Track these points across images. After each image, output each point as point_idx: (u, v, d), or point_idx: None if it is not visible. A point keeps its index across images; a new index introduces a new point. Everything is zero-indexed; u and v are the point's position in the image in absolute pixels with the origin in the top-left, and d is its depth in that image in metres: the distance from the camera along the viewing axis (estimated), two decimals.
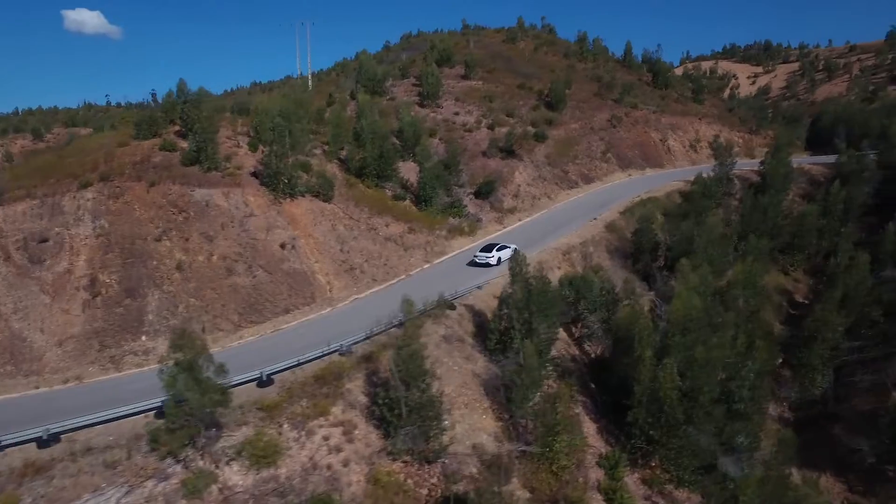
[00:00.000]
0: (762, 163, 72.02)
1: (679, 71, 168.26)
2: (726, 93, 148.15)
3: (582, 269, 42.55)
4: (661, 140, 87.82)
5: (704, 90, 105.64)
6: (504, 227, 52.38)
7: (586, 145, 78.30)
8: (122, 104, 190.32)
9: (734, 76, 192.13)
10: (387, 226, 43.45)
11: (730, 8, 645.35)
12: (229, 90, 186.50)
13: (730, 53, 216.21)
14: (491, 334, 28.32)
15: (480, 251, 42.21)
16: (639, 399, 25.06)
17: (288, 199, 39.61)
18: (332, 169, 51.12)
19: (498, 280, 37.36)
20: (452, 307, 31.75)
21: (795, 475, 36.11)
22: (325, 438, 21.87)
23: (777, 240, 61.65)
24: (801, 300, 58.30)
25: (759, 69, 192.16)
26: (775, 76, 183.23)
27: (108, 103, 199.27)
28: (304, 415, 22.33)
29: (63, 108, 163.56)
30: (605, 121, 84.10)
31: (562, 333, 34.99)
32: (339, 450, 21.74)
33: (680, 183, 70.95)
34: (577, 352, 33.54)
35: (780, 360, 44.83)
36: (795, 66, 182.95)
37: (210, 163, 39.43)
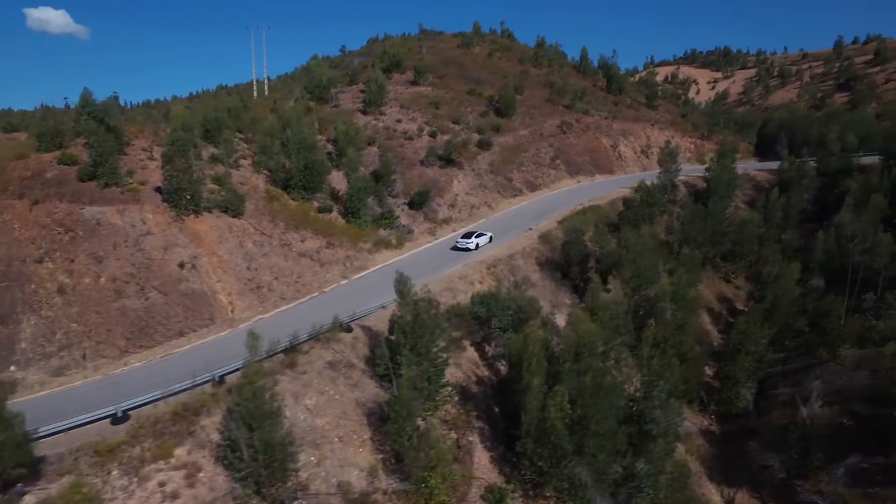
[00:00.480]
0: (707, 169, 72.18)
1: (643, 75, 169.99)
2: (681, 98, 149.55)
3: (507, 284, 41.38)
4: (612, 146, 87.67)
5: (657, 96, 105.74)
6: (436, 239, 51.01)
7: (534, 152, 77.57)
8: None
9: (694, 81, 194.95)
10: (303, 241, 41.67)
11: (694, 14, 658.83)
12: (195, 93, 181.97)
13: (691, 59, 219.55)
14: (379, 360, 26.83)
15: (461, 238, 48.20)
16: (526, 429, 23.82)
17: (192, 216, 37.57)
18: (257, 181, 49.22)
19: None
20: (348, 329, 30.19)
21: (714, 492, 35.45)
22: (161, 484, 19.96)
23: (719, 247, 61.68)
24: (741, 308, 58.21)
25: (719, 75, 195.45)
26: (733, 82, 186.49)
27: (67, 106, 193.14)
28: (142, 458, 20.44)
29: (18, 110, 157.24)
30: (556, 127, 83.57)
31: (473, 353, 33.70)
32: (175, 496, 19.85)
33: (627, 190, 70.35)
34: (486, 373, 32.22)
35: (713, 373, 44.52)
36: (753, 71, 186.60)
37: (109, 178, 37.14)
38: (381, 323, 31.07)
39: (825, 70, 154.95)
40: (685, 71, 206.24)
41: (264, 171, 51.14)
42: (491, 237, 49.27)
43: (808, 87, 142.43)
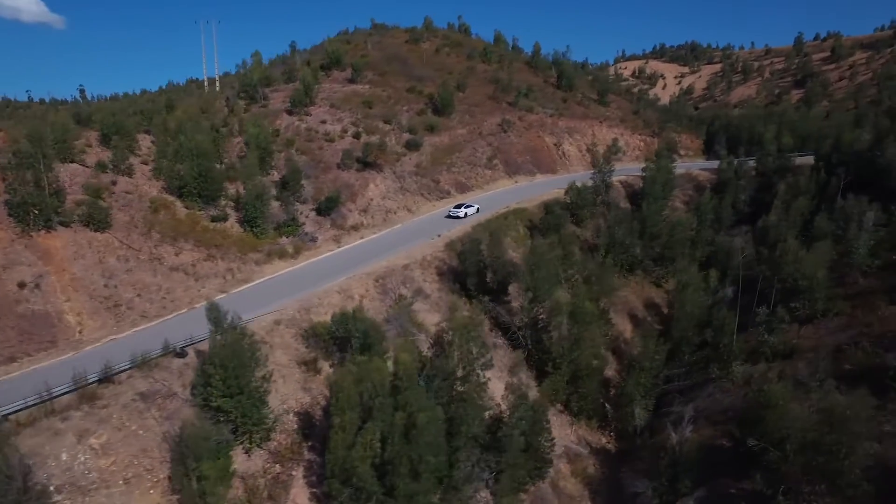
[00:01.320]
0: (643, 169, 70.51)
1: (596, 72, 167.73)
2: (636, 94, 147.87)
3: (394, 297, 39.31)
4: (555, 144, 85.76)
5: (611, 92, 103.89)
6: (340, 247, 48.67)
7: (471, 152, 75.42)
8: (46, 100, 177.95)
9: (661, 76, 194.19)
10: (177, 254, 39.14)
11: (667, 8, 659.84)
12: (157, 89, 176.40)
13: (660, 53, 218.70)
14: (195, 389, 24.58)
15: (454, 207, 58.13)
16: (331, 469, 21.71)
17: (43, 232, 34.95)
18: (149, 189, 46.51)
19: (269, 317, 33.74)
20: (181, 354, 27.90)
21: None
22: None
23: (649, 250, 60.05)
24: (669, 314, 56.69)
25: (686, 69, 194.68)
26: (699, 77, 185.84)
27: (30, 99, 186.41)
28: None
29: None
30: (497, 125, 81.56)
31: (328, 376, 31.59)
32: None
33: (563, 191, 68.83)
34: None
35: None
36: (719, 66, 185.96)
37: None
38: None
39: (785, 66, 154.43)
40: (654, 65, 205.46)
41: (163, 178, 48.51)
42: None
43: (766, 83, 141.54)
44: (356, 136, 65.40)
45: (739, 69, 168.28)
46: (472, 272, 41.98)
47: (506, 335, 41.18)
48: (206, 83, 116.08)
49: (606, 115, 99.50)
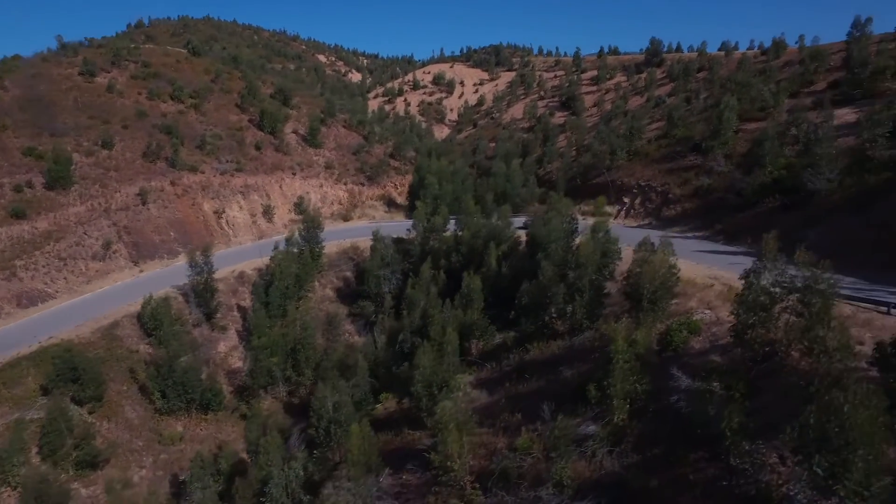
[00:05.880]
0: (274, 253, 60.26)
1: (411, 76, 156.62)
2: (366, 127, 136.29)
3: None
4: (216, 212, 74.64)
5: (319, 133, 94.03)
6: None
7: (77, 239, 62.23)
8: None
9: (461, 82, 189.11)
10: None
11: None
12: None
13: (466, 57, 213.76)
14: None
15: None
16: None
17: None
18: None
19: None
20: None
21: None
22: None
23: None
24: None
25: (486, 76, 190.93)
26: (496, 85, 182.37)
27: None
28: None
29: None
30: (135, 196, 68.95)
31: None
32: None
33: (170, 288, 58.13)
34: None
35: None
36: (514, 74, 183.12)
37: None
38: None
39: (560, 83, 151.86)
40: (458, 70, 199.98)
41: None
42: None
43: (530, 105, 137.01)
44: None
45: (523, 81, 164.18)
46: None
47: None
48: None
49: (313, 160, 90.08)
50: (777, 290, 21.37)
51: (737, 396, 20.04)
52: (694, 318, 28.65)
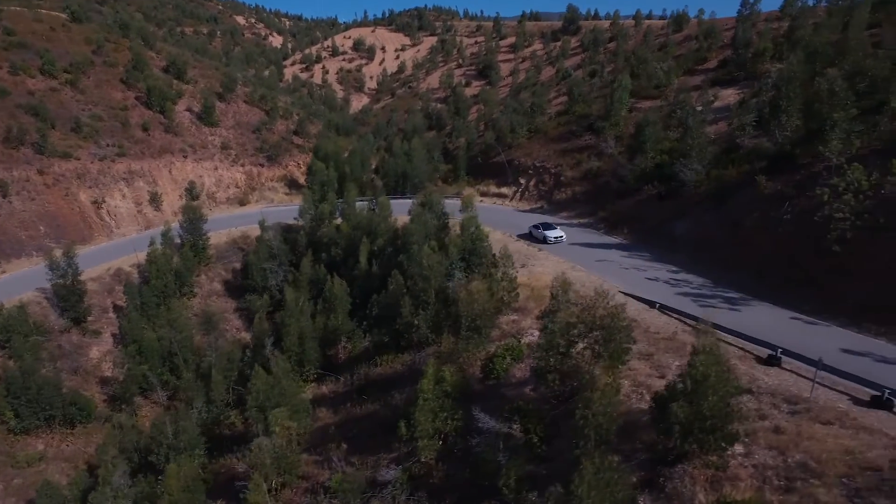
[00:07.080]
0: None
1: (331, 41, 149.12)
2: (268, 102, 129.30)
3: None
4: (94, 202, 69.34)
5: (216, 110, 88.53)
6: None
7: None
8: None
9: (382, 48, 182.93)
10: None
11: None
12: None
13: (388, 21, 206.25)
14: None
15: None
16: None
17: None
18: None
19: None
20: None
21: None
22: None
23: None
24: None
25: (408, 41, 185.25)
26: (418, 51, 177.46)
27: None
28: None
29: None
30: None
31: None
32: None
33: (34, 292, 53.73)
34: None
35: None
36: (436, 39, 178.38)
37: None
38: None
39: (479, 50, 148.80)
40: (380, 34, 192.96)
41: None
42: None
43: (446, 75, 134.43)
44: None
45: (443, 48, 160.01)
46: None
47: None
48: None
49: (207, 141, 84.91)
50: (577, 329, 20.62)
51: (534, 440, 19.85)
52: (521, 342, 27.96)
